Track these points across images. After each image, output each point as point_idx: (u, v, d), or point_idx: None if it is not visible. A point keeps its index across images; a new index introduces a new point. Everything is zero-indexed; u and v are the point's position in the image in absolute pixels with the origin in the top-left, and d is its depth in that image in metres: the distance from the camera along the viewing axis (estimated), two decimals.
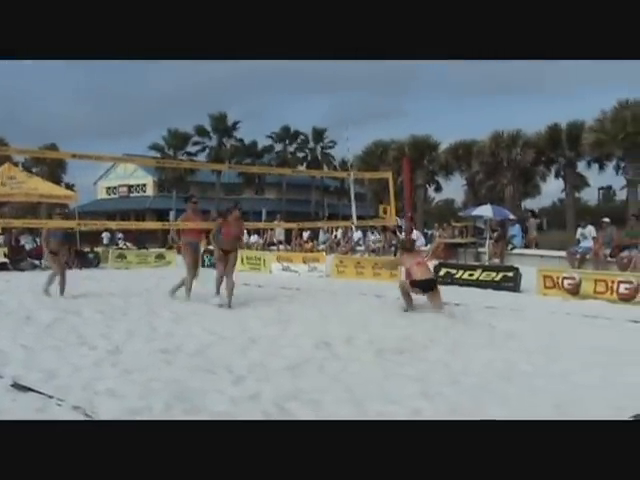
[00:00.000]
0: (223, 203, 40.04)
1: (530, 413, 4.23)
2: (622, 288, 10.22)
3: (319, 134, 54.16)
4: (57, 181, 41.73)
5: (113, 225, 28.95)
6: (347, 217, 25.34)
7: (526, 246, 18.91)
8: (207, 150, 49.25)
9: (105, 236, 28.43)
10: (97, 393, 4.73)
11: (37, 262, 17.54)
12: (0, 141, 41.83)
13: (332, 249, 21.64)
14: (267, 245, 24.38)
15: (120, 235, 28.49)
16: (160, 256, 21.00)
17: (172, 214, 34.75)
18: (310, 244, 23.36)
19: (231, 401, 4.57)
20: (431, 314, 8.77)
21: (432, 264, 11.73)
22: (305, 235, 24.02)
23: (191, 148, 48.99)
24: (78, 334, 7.30)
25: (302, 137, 54.07)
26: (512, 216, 20.12)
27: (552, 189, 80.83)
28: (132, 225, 30.79)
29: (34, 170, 42.78)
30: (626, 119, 32.90)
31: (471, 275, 13.09)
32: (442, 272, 13.39)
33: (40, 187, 20.70)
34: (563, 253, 15.78)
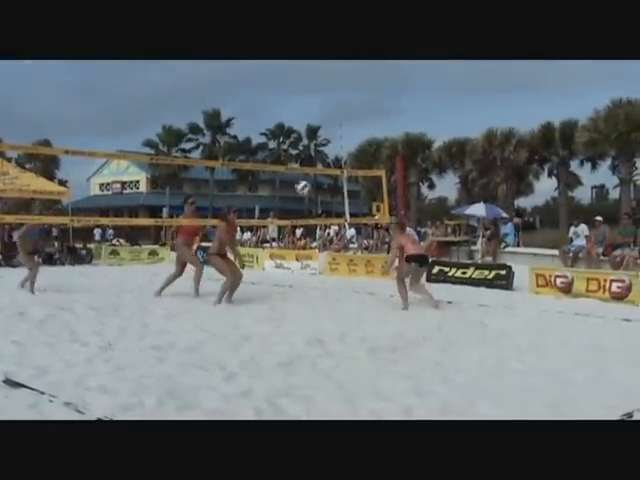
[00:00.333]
0: (217, 200, 40.00)
1: (521, 411, 4.25)
2: (614, 287, 10.24)
3: (313, 132, 54.04)
4: (50, 177, 41.48)
5: (106, 221, 28.82)
6: (340, 214, 25.41)
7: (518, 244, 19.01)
8: (201, 147, 49.07)
9: (97, 232, 28.29)
10: (89, 389, 4.72)
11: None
12: None
13: (325, 246, 21.65)
14: (260, 242, 24.38)
15: (111, 232, 28.36)
16: (153, 252, 20.96)
17: (165, 211, 34.65)
18: (303, 241, 23.36)
19: (223, 398, 4.57)
20: (423, 311, 8.78)
21: None
22: (298, 232, 24.01)
23: (185, 145, 48.88)
24: (70, 330, 7.29)
25: (296, 135, 53.96)
26: (505, 214, 20.17)
27: (545, 188, 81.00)
28: (125, 221, 30.62)
29: (27, 166, 42.56)
30: (619, 118, 32.99)
31: (464, 273, 13.10)
32: (435, 270, 13.40)
33: (33, 183, 20.59)
34: (556, 251, 15.84)
